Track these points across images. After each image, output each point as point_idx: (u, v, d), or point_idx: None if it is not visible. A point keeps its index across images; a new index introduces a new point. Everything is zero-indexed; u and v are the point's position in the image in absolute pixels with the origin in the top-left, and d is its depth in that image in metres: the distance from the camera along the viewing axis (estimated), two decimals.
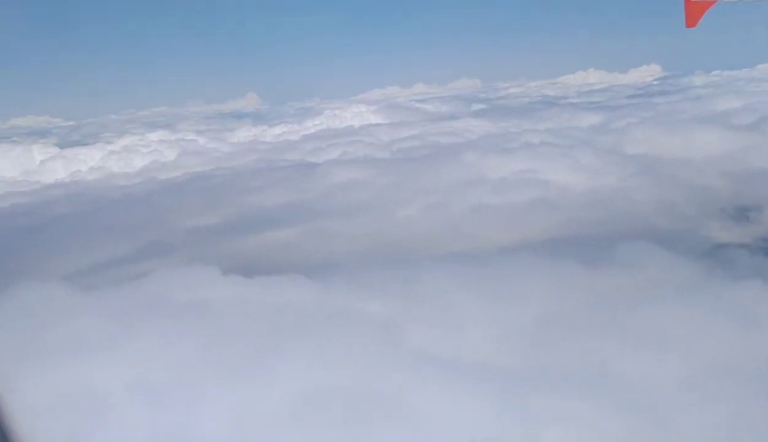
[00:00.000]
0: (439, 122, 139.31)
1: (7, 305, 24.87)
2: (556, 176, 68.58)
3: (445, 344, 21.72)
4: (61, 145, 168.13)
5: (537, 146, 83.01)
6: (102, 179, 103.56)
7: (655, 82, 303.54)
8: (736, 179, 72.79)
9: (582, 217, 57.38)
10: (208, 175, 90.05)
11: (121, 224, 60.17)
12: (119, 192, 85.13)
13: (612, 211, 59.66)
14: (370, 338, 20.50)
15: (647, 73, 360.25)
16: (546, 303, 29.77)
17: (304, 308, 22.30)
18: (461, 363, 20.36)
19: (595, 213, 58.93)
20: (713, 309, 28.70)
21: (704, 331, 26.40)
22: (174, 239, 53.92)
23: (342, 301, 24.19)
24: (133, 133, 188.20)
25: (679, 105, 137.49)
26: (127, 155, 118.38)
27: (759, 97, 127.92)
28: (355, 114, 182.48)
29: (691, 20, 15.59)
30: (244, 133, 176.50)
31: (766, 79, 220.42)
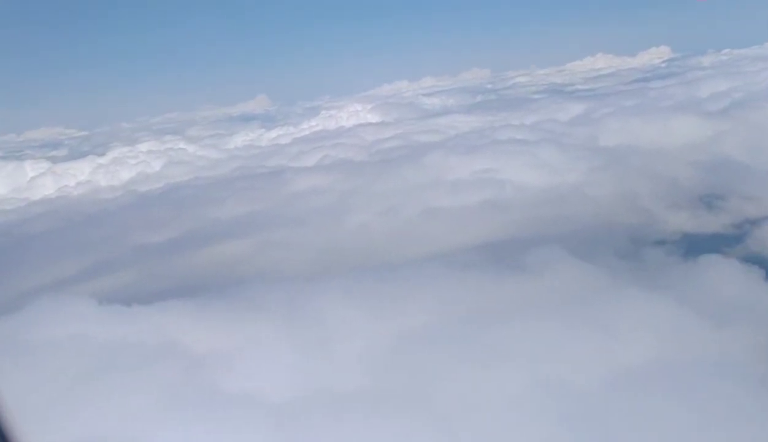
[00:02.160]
0: (428, 119, 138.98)
1: None
2: (515, 175, 68.32)
3: (273, 379, 21.98)
4: (72, 157, 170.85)
5: (504, 143, 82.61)
6: (87, 194, 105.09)
7: (662, 65, 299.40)
8: (701, 168, 72.07)
9: (529, 217, 57.15)
10: (183, 186, 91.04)
11: (77, 243, 61.24)
12: (96, 208, 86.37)
13: (563, 209, 59.34)
14: (178, 375, 20.87)
15: (656, 55, 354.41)
16: (431, 317, 29.84)
17: (129, 343, 22.72)
18: (278, 400, 20.55)
19: (544, 212, 58.63)
20: (597, 321, 28.70)
21: (572, 346, 26.42)
22: (120, 257, 54.81)
23: (180, 331, 24.59)
24: (141, 141, 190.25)
25: (669, 90, 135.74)
26: (114, 168, 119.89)
27: (750, 77, 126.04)
28: (351, 114, 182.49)
29: None
30: (241, 138, 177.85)
31: None
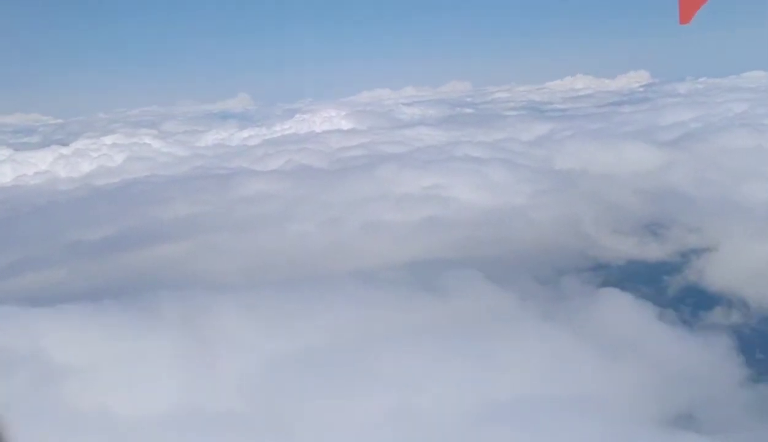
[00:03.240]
0: (398, 130, 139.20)
1: None
2: (461, 193, 68.64)
3: (136, 394, 21.88)
4: (44, 144, 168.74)
5: (459, 160, 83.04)
6: (43, 185, 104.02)
7: (640, 89, 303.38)
8: (646, 197, 72.90)
9: (465, 237, 57.41)
10: (138, 182, 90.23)
11: (13, 235, 60.62)
12: (46, 200, 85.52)
13: (500, 231, 59.72)
14: (24, 386, 20.71)
15: (635, 79, 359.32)
16: (325, 337, 29.87)
17: None
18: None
19: (481, 233, 58.97)
20: (487, 350, 28.91)
21: (451, 374, 26.57)
22: (50, 253, 54.26)
23: (57, 337, 24.40)
24: (115, 132, 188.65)
25: (636, 116, 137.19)
26: (75, 160, 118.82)
27: (713, 108, 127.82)
28: (325, 119, 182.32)
29: (685, 16, 15.58)
30: (213, 137, 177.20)
31: (745, 88, 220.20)
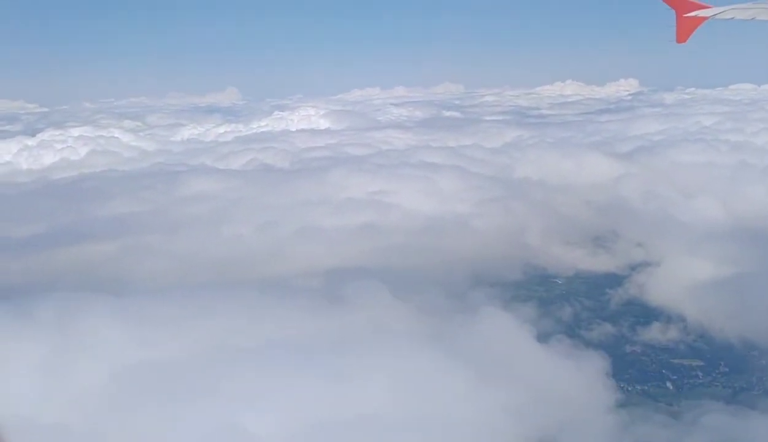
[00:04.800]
0: (371, 132, 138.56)
1: None
2: (406, 200, 68.06)
3: None
4: (26, 133, 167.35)
5: (414, 166, 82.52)
6: (1, 177, 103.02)
7: (628, 97, 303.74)
8: (595, 209, 72.69)
9: (397, 245, 56.82)
10: (92, 178, 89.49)
11: None
12: None
13: (436, 240, 59.14)
14: None
15: (624, 87, 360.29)
16: (188, 347, 29.23)
17: None
18: None
19: (417, 241, 58.37)
20: (352, 365, 28.30)
21: (295, 391, 25.85)
22: None
23: None
24: (96, 125, 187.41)
25: (609, 125, 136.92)
26: (39, 151, 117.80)
27: (682, 121, 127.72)
28: (303, 117, 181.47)
29: (682, 36, 15.25)
30: (189, 131, 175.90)
31: (728, 100, 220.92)
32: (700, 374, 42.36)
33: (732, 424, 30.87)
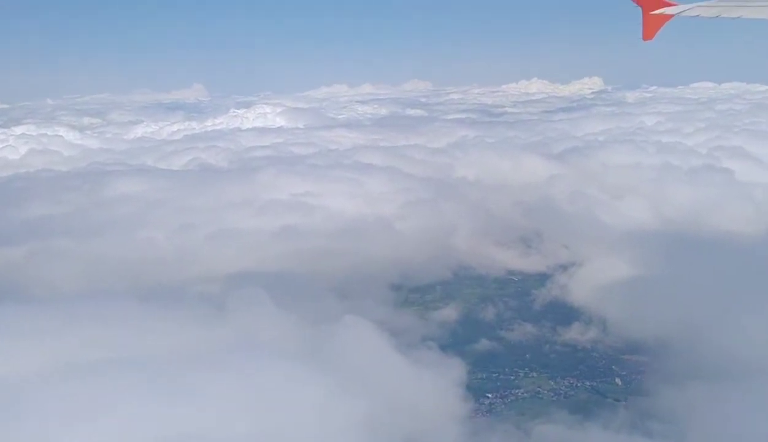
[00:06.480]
0: (315, 131, 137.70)
1: None
2: (331, 201, 67.38)
3: None
4: None
5: (345, 167, 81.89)
6: None
7: (590, 96, 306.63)
8: (525, 209, 72.65)
9: (315, 248, 56.13)
10: (20, 178, 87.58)
11: None
12: None
13: (354, 242, 58.59)
14: None
15: (588, 85, 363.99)
16: (42, 361, 28.37)
17: None
18: None
19: (334, 244, 57.73)
20: (208, 377, 27.61)
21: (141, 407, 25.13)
22: None
23: None
24: (59, 122, 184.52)
25: (559, 125, 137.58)
26: None
27: (628, 120, 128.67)
28: (259, 115, 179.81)
29: (648, 33, 14.84)
30: (142, 129, 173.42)
31: (684, 99, 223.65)
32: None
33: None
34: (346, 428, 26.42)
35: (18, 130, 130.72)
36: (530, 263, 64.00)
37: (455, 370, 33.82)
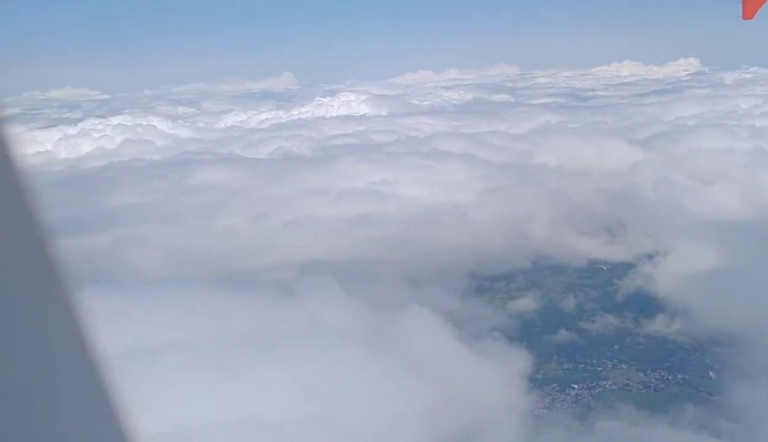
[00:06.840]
0: (396, 119, 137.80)
1: None
2: (406, 189, 67.46)
3: None
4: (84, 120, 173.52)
5: (423, 155, 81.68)
6: (37, 166, 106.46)
7: (686, 78, 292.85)
8: (608, 197, 70.73)
9: (390, 236, 56.46)
10: (115, 167, 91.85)
11: None
12: None
13: (429, 230, 58.56)
14: None
15: (683, 66, 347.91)
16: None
17: None
18: None
19: (409, 232, 57.91)
20: (272, 365, 28.36)
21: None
22: None
23: None
24: (154, 112, 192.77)
25: (648, 109, 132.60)
26: (78, 140, 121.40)
27: (723, 103, 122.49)
28: (343, 103, 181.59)
29: (749, 12, 15.34)
30: (232, 119, 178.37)
31: None
32: None
33: None
34: (404, 417, 26.57)
35: (115, 120, 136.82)
36: (613, 252, 62.46)
37: (521, 361, 33.32)
